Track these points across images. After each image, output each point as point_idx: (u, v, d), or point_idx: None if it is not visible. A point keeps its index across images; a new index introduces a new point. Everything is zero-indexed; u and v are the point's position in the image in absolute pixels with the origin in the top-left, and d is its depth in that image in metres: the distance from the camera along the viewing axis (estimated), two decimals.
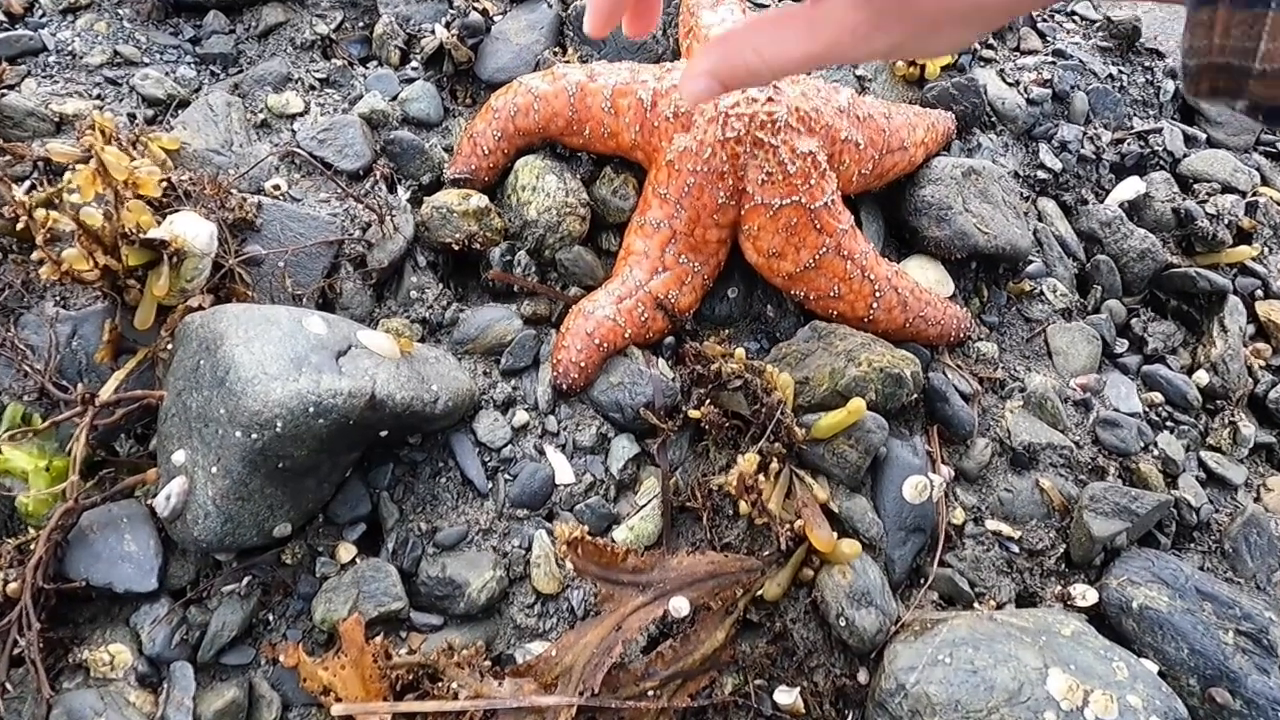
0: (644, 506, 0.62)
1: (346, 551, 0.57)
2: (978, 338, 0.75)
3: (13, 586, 0.50)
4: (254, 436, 0.50)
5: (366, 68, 0.79)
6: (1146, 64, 0.92)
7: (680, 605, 0.55)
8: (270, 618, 0.55)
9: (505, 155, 0.71)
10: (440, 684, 0.52)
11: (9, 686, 0.49)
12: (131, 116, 0.70)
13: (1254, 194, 0.87)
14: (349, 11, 0.81)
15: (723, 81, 0.38)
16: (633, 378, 0.64)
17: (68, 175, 0.56)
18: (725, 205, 0.65)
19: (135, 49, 0.75)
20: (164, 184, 0.61)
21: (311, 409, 0.50)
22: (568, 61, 0.77)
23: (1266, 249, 0.86)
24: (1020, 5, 0.35)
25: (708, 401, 0.63)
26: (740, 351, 0.64)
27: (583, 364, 0.63)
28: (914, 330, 0.70)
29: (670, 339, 0.68)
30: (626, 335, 0.65)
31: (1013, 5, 0.35)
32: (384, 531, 0.59)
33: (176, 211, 0.61)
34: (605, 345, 0.64)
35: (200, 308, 0.58)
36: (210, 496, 0.51)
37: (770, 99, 0.65)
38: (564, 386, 0.63)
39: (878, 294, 0.67)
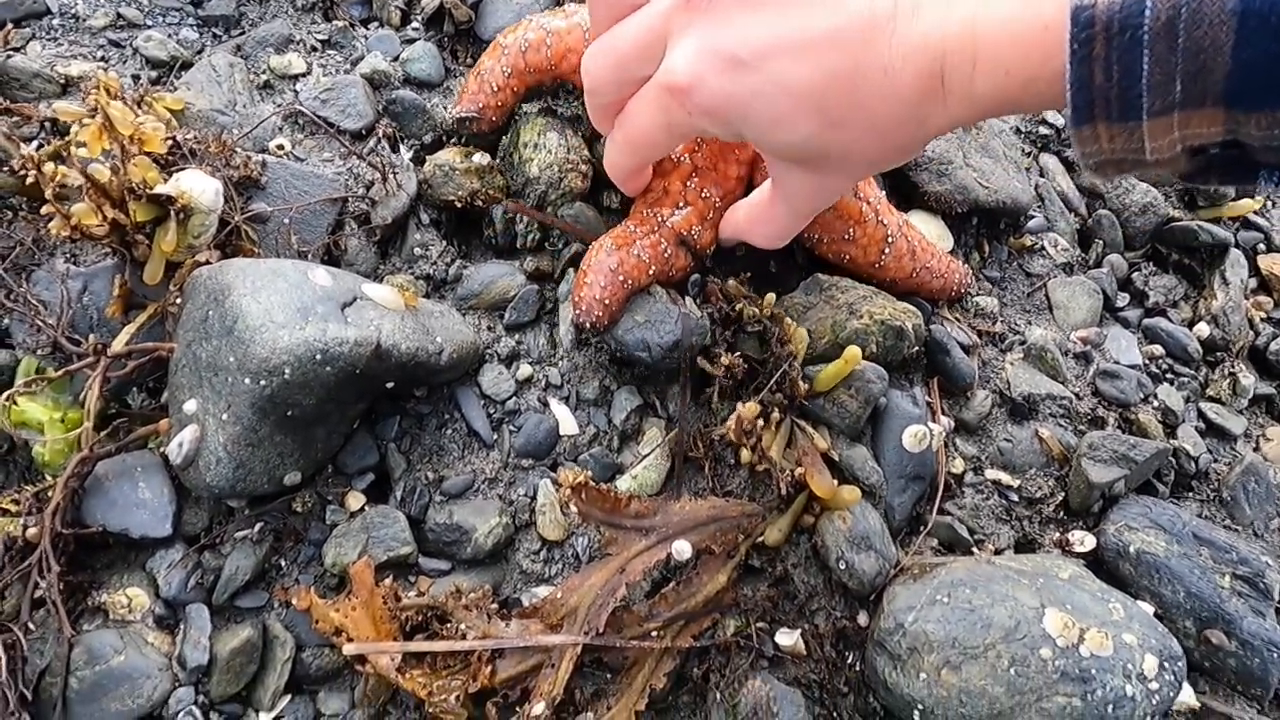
0: (647, 456, 0.62)
1: (355, 500, 0.58)
2: (978, 292, 0.76)
3: (32, 531, 0.52)
4: (263, 383, 0.51)
5: (368, 29, 0.79)
6: None
7: (682, 549, 0.56)
8: (282, 563, 0.57)
9: (514, 94, 0.69)
10: (449, 625, 0.54)
11: (31, 626, 0.51)
12: (136, 78, 0.70)
13: None
14: None
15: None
16: (659, 316, 0.62)
17: (74, 129, 0.56)
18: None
19: (138, 11, 0.75)
20: (169, 141, 0.62)
21: (319, 356, 0.51)
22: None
23: (1270, 202, 0.86)
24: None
25: (731, 351, 0.62)
26: (770, 296, 0.64)
27: (607, 301, 0.60)
28: (919, 281, 0.70)
29: (695, 276, 0.67)
30: (651, 271, 0.62)
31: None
32: (392, 481, 0.60)
33: (182, 169, 0.62)
34: (630, 281, 0.61)
35: (208, 262, 0.59)
36: (222, 443, 0.52)
37: None
38: (588, 324, 0.60)
39: (889, 239, 0.67)
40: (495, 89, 0.68)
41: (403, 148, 0.72)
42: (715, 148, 0.64)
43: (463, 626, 0.53)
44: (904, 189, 0.78)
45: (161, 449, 0.56)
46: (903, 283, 0.69)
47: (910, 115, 0.42)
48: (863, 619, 0.60)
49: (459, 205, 0.69)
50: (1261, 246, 0.84)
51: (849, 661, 0.59)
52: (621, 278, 0.61)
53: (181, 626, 0.53)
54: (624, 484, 0.61)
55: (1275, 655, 0.61)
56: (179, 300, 0.58)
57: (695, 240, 0.64)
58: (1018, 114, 0.41)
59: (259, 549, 0.56)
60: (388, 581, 0.54)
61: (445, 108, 0.75)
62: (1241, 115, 0.32)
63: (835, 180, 0.51)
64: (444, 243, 0.69)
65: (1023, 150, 0.82)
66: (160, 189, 0.58)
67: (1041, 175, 0.83)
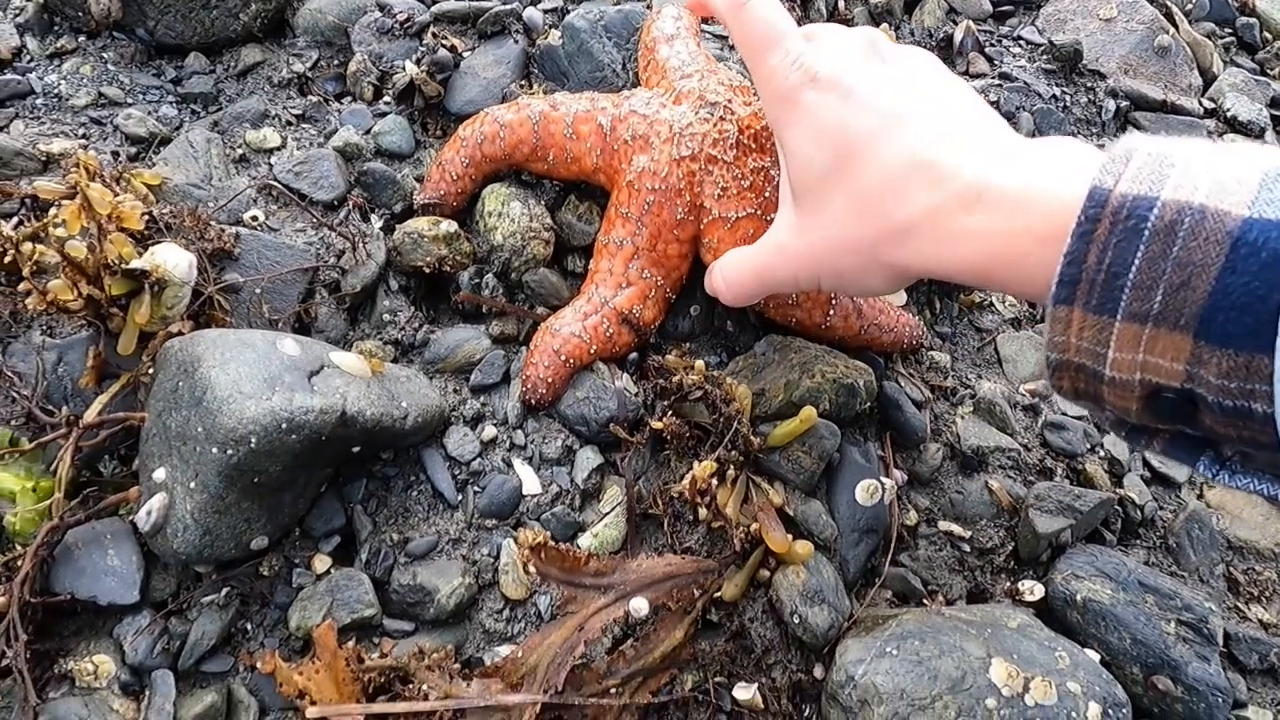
0: (608, 514, 0.64)
1: (322, 562, 0.60)
2: (930, 347, 0.79)
3: (0, 600, 0.53)
4: (229, 452, 0.52)
5: (341, 103, 0.83)
6: (1088, 84, 0.97)
7: (639, 606, 0.58)
8: (248, 626, 0.58)
9: (473, 181, 0.75)
10: (411, 686, 0.55)
11: None
12: (115, 154, 0.73)
13: None
14: (324, 50, 0.85)
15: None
16: (598, 392, 0.67)
17: (53, 210, 0.59)
18: (684, 220, 0.68)
19: (119, 90, 0.78)
20: (146, 217, 0.65)
21: (284, 425, 0.53)
22: (533, 94, 0.81)
23: None
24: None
25: (669, 413, 0.66)
26: (700, 364, 0.67)
27: (550, 380, 0.66)
28: (869, 337, 0.73)
29: (634, 355, 0.71)
30: (592, 351, 0.68)
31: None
32: (357, 543, 0.61)
33: (158, 243, 0.64)
34: (572, 361, 0.67)
35: (180, 333, 0.61)
36: (189, 510, 0.54)
37: (722, 118, 0.69)
38: (532, 402, 0.66)
39: (833, 301, 0.70)
40: (455, 178, 0.74)
41: (374, 217, 0.75)
42: (655, 229, 0.68)
43: (425, 687, 0.55)
44: None
45: (131, 516, 0.57)
46: (852, 340, 0.72)
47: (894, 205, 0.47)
48: (818, 672, 0.61)
49: (427, 271, 0.72)
50: None
51: (805, 714, 0.60)
52: (564, 358, 0.66)
53: (146, 693, 0.54)
54: (585, 542, 0.63)
55: (1220, 700, 0.62)
56: (151, 370, 0.60)
57: (637, 319, 0.68)
58: (986, 284, 0.43)
59: (225, 613, 0.57)
60: (350, 644, 0.55)
61: (415, 178, 0.78)
62: (1206, 351, 0.31)
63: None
64: (412, 308, 0.72)
65: None
66: (135, 264, 0.60)
67: None
